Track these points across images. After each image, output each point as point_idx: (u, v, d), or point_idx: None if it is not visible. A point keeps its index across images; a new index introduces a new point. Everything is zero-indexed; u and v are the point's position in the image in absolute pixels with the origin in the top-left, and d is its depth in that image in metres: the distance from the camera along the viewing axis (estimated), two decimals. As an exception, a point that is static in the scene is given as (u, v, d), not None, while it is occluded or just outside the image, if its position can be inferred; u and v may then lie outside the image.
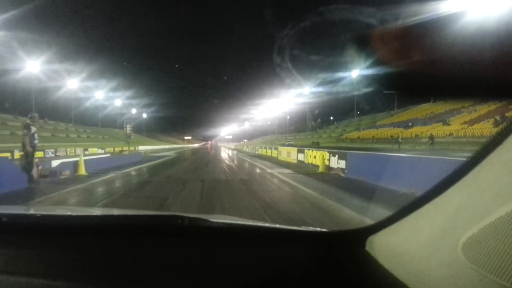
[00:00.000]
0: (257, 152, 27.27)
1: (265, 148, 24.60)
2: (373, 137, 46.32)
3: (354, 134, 53.22)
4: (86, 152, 33.47)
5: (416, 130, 39.04)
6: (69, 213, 1.32)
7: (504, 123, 0.46)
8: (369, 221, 1.93)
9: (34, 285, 0.69)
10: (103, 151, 32.15)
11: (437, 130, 35.17)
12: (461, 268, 0.45)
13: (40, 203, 5.17)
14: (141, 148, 51.77)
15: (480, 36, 0.43)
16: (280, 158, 17.47)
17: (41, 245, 0.85)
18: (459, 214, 0.50)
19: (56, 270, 0.75)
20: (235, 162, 16.04)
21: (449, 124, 35.84)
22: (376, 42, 0.44)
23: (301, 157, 13.54)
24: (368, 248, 0.78)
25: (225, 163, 15.56)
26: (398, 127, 44.86)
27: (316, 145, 44.71)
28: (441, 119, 38.69)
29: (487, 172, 0.47)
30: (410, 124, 42.99)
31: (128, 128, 23.48)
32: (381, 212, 4.04)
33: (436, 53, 0.42)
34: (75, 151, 31.64)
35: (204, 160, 17.71)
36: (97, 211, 1.58)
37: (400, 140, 32.64)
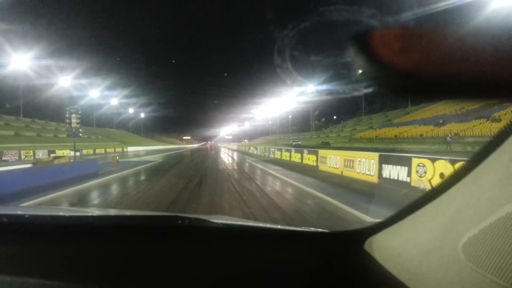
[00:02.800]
0: (271, 156, 20.30)
1: (288, 151, 16.97)
2: (395, 136, 39.97)
3: (371, 133, 46.88)
4: (53, 155, 26.71)
5: (454, 127, 32.58)
6: (69, 213, 1.24)
7: (505, 124, 0.45)
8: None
9: (33, 285, 0.68)
10: (79, 154, 25.36)
11: (482, 127, 28.79)
12: (461, 269, 0.45)
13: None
14: (131, 149, 46.57)
15: (485, 34, 0.42)
16: (322, 168, 10.82)
17: (40, 245, 0.84)
18: (460, 215, 0.49)
19: (56, 270, 0.74)
20: (255, 181, 9.00)
21: (498, 120, 29.38)
22: (380, 41, 0.43)
23: (394, 173, 6.83)
24: (368, 248, 0.77)
25: (236, 182, 8.61)
26: (425, 124, 38.57)
27: (327, 146, 38.76)
28: (481, 115, 32.26)
29: (487, 173, 0.46)
30: (441, 121, 36.60)
31: (74, 121, 12.15)
32: None
33: (440, 52, 0.41)
34: (34, 154, 24.80)
35: (198, 174, 10.58)
36: (97, 212, 1.46)
37: (449, 139, 26.19)
